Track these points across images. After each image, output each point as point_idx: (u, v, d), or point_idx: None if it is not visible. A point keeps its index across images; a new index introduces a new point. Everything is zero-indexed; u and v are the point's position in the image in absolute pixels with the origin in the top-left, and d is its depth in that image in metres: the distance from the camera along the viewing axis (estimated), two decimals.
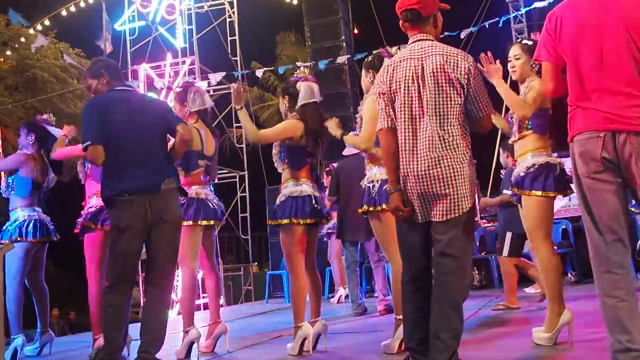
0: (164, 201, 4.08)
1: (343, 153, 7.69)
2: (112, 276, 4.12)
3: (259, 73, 14.19)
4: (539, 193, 4.33)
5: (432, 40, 3.60)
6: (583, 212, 3.14)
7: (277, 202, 4.97)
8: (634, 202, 6.77)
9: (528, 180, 4.39)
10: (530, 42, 4.55)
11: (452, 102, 3.44)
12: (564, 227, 9.62)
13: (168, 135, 4.36)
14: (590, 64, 3.08)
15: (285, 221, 4.83)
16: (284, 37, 23.82)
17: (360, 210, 4.63)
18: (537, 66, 4.46)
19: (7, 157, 6.02)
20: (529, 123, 4.43)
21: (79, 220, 5.37)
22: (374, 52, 4.84)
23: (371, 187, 4.55)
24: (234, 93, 4.93)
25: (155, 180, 4.09)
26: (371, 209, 4.50)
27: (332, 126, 4.90)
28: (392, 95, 3.59)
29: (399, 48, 4.65)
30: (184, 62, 14.07)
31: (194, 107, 5.34)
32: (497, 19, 12.99)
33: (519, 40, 4.69)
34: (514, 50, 4.61)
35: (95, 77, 4.47)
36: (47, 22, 14.94)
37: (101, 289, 5.11)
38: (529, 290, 8.40)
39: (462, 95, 3.45)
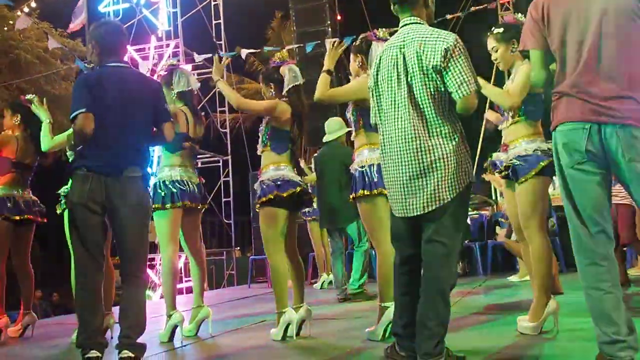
0: (123, 187, 3.98)
1: (323, 140, 7.72)
2: (77, 256, 4.01)
3: (244, 56, 14.06)
4: (533, 174, 4.28)
5: (419, 24, 3.54)
6: (566, 203, 3.12)
7: (257, 185, 4.91)
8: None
9: (522, 167, 4.34)
10: (501, 29, 4.52)
11: (431, 90, 3.37)
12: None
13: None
14: (579, 54, 3.04)
15: (270, 196, 4.77)
16: (275, 20, 23.66)
17: (352, 196, 4.59)
18: (517, 50, 4.45)
19: None
20: (522, 108, 4.39)
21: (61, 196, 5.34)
22: (362, 35, 4.79)
23: (364, 171, 4.51)
24: (216, 63, 5.07)
25: (118, 165, 3.98)
26: (367, 192, 4.47)
27: None
28: (380, 85, 3.57)
29: (390, 34, 4.55)
30: (168, 45, 13.92)
31: (178, 88, 5.30)
32: (485, 5, 12.97)
33: (490, 31, 4.62)
34: (490, 43, 4.56)
35: (90, 46, 4.32)
36: (33, 4, 14.78)
37: None
38: (512, 278, 8.45)
39: (441, 81, 3.37)
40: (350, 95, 4.71)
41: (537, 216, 4.32)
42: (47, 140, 5.50)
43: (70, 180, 4.07)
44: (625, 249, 7.68)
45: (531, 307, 4.32)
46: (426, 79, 3.37)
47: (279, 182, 4.79)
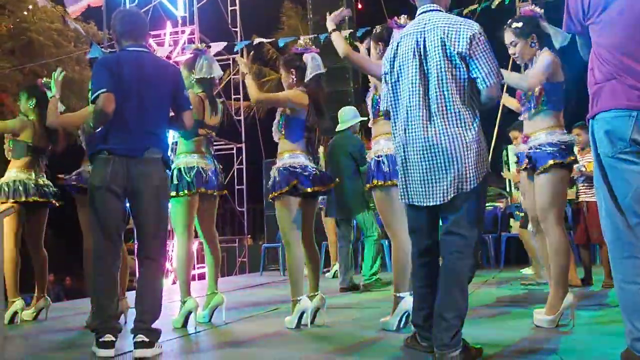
0: (145, 168, 3.98)
1: (336, 129, 7.71)
2: (95, 240, 4.00)
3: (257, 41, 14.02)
4: (551, 163, 4.23)
5: (439, 11, 3.50)
6: (604, 194, 3.00)
7: (273, 172, 4.87)
8: None
9: (542, 157, 4.30)
10: (520, 24, 4.47)
11: (454, 77, 3.33)
12: None
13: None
14: (625, 36, 2.93)
15: (285, 189, 4.75)
16: (289, 8, 23.60)
17: (368, 185, 4.57)
18: (536, 43, 4.41)
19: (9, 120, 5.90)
20: (544, 98, 4.35)
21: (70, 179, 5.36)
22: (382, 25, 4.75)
23: (380, 161, 4.48)
24: (242, 63, 4.97)
25: (139, 145, 3.98)
26: (380, 183, 4.43)
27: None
28: (397, 72, 3.53)
29: (408, 18, 4.49)
30: (183, 32, 13.87)
31: (199, 75, 5.27)
32: None
33: (508, 24, 4.56)
34: (508, 37, 4.52)
35: (111, 32, 4.33)
36: None
37: None
38: (525, 271, 8.41)
39: (464, 68, 3.33)
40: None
41: (555, 209, 4.28)
42: (52, 115, 5.26)
43: (92, 166, 4.06)
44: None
45: (548, 300, 4.29)
46: (450, 66, 3.33)
47: (297, 171, 4.76)
